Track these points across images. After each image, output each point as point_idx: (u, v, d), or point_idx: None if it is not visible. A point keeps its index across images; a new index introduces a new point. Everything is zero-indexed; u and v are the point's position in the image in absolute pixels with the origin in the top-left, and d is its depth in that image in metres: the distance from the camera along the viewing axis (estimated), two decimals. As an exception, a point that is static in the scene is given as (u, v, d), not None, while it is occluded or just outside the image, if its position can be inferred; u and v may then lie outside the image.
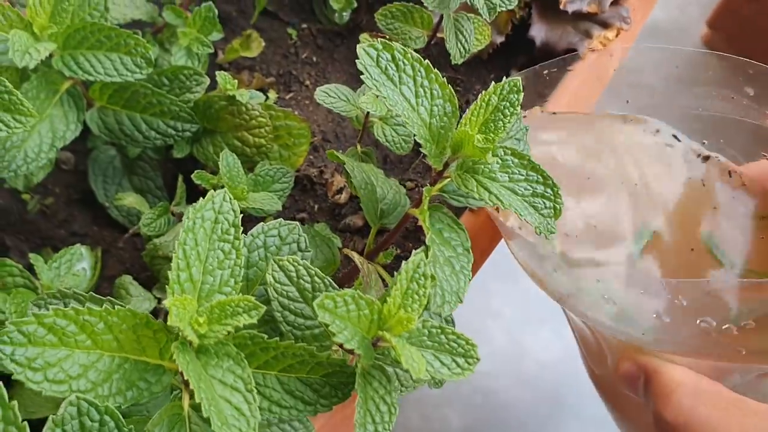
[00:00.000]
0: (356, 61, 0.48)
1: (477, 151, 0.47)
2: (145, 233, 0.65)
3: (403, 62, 0.49)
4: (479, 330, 1.04)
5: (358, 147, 0.65)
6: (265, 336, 0.42)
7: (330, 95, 0.61)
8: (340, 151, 0.75)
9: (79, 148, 0.76)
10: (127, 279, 0.64)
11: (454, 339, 0.43)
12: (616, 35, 0.76)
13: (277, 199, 0.63)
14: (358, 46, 0.48)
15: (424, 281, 0.42)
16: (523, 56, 0.80)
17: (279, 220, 0.49)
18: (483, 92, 0.49)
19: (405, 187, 0.74)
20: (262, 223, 0.49)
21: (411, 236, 0.71)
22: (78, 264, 0.61)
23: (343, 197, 0.72)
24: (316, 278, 0.45)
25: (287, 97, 0.80)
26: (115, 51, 0.62)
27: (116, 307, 0.41)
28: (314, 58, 0.83)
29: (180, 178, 0.68)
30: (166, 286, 0.41)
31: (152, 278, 0.68)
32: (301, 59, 0.82)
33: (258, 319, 0.42)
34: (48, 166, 0.66)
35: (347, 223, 0.73)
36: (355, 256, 0.52)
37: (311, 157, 0.77)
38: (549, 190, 0.51)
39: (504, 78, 0.51)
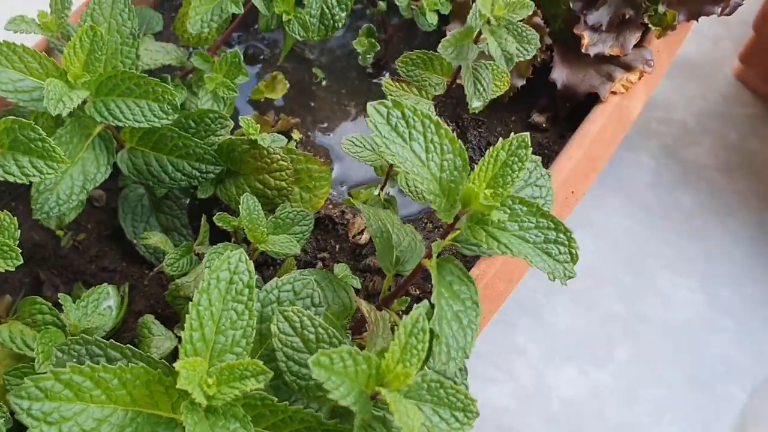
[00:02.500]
0: (366, 119, 0.49)
1: (483, 207, 0.48)
2: (168, 272, 0.67)
3: (413, 119, 0.50)
4: (503, 366, 1.04)
5: (381, 194, 0.66)
6: (275, 399, 0.44)
7: (356, 144, 0.63)
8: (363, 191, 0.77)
9: (111, 186, 0.79)
10: (149, 318, 0.66)
11: (453, 393, 0.44)
12: (639, 78, 0.76)
13: (296, 242, 0.64)
14: (368, 104, 0.49)
15: (423, 336, 0.43)
16: (545, 99, 0.81)
17: (294, 275, 0.51)
18: (491, 148, 0.50)
19: (424, 228, 0.75)
20: (276, 278, 0.50)
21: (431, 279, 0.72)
22: (105, 303, 0.64)
23: (364, 237, 0.73)
24: (320, 329, 0.47)
25: (311, 138, 0.82)
26: (144, 98, 0.65)
27: (130, 364, 0.43)
28: (339, 99, 0.85)
29: (203, 219, 0.71)
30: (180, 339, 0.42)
31: (176, 315, 0.70)
32: (327, 99, 0.84)
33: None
34: (79, 206, 0.69)
35: (368, 263, 0.74)
36: (363, 305, 0.53)
37: (334, 192, 0.78)
38: (562, 236, 0.51)
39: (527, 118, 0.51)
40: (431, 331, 0.45)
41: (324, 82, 0.86)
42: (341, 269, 0.70)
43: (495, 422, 1.01)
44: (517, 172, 0.50)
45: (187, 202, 0.78)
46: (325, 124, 0.83)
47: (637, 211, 1.12)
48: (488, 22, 0.61)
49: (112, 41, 0.67)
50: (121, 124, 0.65)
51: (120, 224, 0.76)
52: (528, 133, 0.50)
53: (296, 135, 0.79)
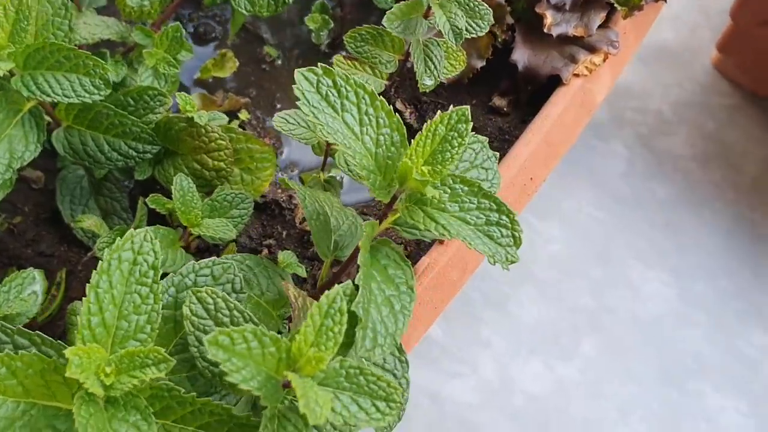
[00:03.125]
0: (293, 86, 0.46)
1: (418, 183, 0.45)
2: (100, 257, 0.63)
3: (346, 89, 0.47)
4: (467, 360, 1.00)
5: (321, 175, 0.63)
6: (182, 390, 0.40)
7: (289, 122, 0.59)
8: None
9: (50, 167, 0.75)
10: (78, 305, 0.62)
11: (375, 381, 0.40)
12: (604, 60, 0.73)
13: (232, 226, 0.61)
14: (296, 70, 0.46)
15: (340, 317, 0.40)
16: (506, 81, 0.78)
17: (213, 258, 0.47)
18: (429, 122, 0.47)
19: (376, 214, 0.72)
20: (192, 262, 0.47)
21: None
22: (29, 288, 0.60)
23: (311, 224, 0.70)
24: (236, 312, 0.43)
25: (261, 119, 0.78)
26: (74, 72, 0.61)
27: (20, 352, 0.39)
28: (292, 79, 0.81)
29: (141, 201, 0.67)
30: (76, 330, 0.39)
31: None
32: (278, 79, 0.81)
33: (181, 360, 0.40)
34: (7, 185, 0.65)
35: (316, 251, 0.70)
36: (290, 289, 0.49)
37: (285, 177, 0.75)
38: (504, 218, 0.48)
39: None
40: (353, 315, 0.42)
41: (277, 62, 0.82)
42: (286, 257, 0.66)
43: (458, 417, 0.97)
44: (457, 148, 0.47)
45: (130, 185, 0.74)
46: (278, 106, 0.80)
47: (609, 201, 1.09)
48: (437, -7, 0.58)
49: (42, 12, 0.63)
50: (49, 99, 0.61)
51: (58, 207, 0.72)
52: (468, 107, 0.47)
53: (243, 115, 0.76)
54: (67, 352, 0.37)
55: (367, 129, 0.47)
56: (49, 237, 0.73)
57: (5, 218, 0.73)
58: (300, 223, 0.70)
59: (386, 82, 0.71)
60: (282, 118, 0.59)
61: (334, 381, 0.40)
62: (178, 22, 0.68)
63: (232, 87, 0.80)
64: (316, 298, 0.54)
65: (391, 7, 0.72)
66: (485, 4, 0.59)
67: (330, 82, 0.46)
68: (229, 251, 0.65)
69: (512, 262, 0.48)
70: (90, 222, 0.65)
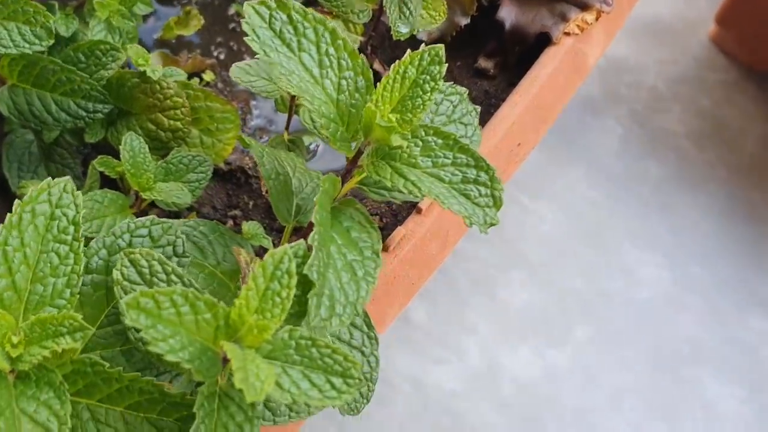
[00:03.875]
0: (242, 20, 0.40)
1: (382, 132, 0.39)
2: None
3: (303, 25, 0.41)
4: (452, 346, 0.95)
5: (285, 134, 0.57)
6: (107, 365, 0.34)
7: (249, 73, 0.53)
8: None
9: (-3, 132, 0.69)
10: None
11: (330, 354, 0.35)
12: (597, 18, 0.68)
13: (187, 191, 0.55)
14: (245, 3, 0.40)
15: (288, 280, 0.34)
16: (492, 41, 0.72)
17: (151, 217, 0.41)
18: (397, 62, 0.41)
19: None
20: (128, 220, 0.41)
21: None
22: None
23: (278, 193, 0.64)
24: (173, 276, 0.37)
25: (229, 83, 0.73)
26: (12, 20, 0.56)
27: None
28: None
29: (91, 165, 0.61)
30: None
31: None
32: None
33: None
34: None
35: (283, 221, 0.65)
36: (241, 254, 0.44)
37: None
38: (483, 174, 0.42)
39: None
40: (309, 281, 0.36)
41: (247, 22, 0.76)
42: (251, 227, 0.61)
43: (442, 406, 0.92)
44: (429, 93, 0.41)
45: (85, 150, 0.69)
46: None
47: (602, 179, 1.04)
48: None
49: (-21, -46, 0.57)
50: (-19, 48, 0.55)
51: (4, 174, 0.67)
52: (442, 45, 0.41)
53: (208, 76, 0.70)
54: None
55: (327, 72, 0.42)
56: (-6, 208, 0.68)
57: (-54, 187, 0.68)
58: (266, 192, 0.65)
59: (361, 38, 0.65)
60: (240, 68, 0.53)
61: (282, 354, 0.34)
62: (132, -29, 0.62)
63: (198, 48, 0.74)
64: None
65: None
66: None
67: (285, 17, 0.41)
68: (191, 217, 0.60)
69: (491, 225, 0.42)
70: (32, 187, 0.59)
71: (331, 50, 0.42)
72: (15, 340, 0.32)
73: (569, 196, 1.02)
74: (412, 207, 0.61)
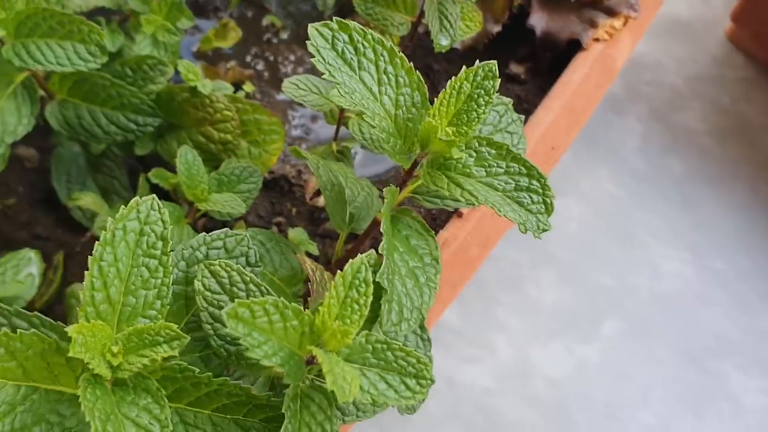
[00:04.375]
0: (307, 42, 0.42)
1: (443, 145, 0.41)
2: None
3: (363, 45, 0.43)
4: (483, 344, 0.97)
5: (334, 145, 0.59)
6: (197, 370, 0.36)
7: (300, 87, 0.55)
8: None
9: (44, 145, 0.72)
10: (78, 287, 0.59)
11: (404, 357, 0.37)
12: (624, 24, 0.69)
13: (241, 201, 0.57)
14: (309, 25, 0.42)
15: (366, 289, 0.36)
16: (523, 47, 0.74)
17: (225, 230, 0.43)
18: (453, 78, 0.43)
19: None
20: (204, 233, 0.43)
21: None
22: (25, 269, 0.57)
23: (321, 200, 0.66)
24: (252, 286, 0.40)
25: (267, 93, 0.75)
26: (69, 39, 0.58)
27: (19, 331, 0.36)
28: (296, 48, 0.77)
29: (142, 177, 0.63)
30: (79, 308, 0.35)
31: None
32: (283, 49, 0.77)
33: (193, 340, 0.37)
34: (0, 163, 0.62)
35: (327, 228, 0.67)
36: (307, 263, 0.46)
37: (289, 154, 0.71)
38: (535, 182, 0.44)
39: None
40: (379, 287, 0.38)
41: (282, 32, 0.78)
42: (297, 234, 0.63)
43: (474, 403, 0.94)
44: (483, 107, 0.43)
45: (130, 161, 0.71)
46: (282, 78, 0.76)
47: (626, 177, 1.06)
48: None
49: (33, -24, 0.60)
50: (42, 68, 0.57)
51: (53, 187, 0.69)
52: (495, 61, 0.43)
53: (248, 87, 0.72)
54: (70, 330, 0.33)
55: (386, 89, 0.44)
56: (44, 219, 0.70)
57: (-1, 200, 0.70)
58: (310, 199, 0.67)
59: (397, 48, 0.67)
60: (292, 83, 0.55)
61: (360, 357, 0.36)
62: (177, -12, 0.64)
63: (235, 59, 0.76)
64: (332, 273, 0.51)
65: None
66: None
67: (346, 38, 0.43)
68: (238, 228, 0.62)
69: (544, 231, 0.44)
70: (88, 200, 0.62)
71: (390, 68, 0.44)
72: (115, 350, 0.34)
73: (595, 194, 1.04)
74: (451, 211, 0.63)
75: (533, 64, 0.73)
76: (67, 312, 0.59)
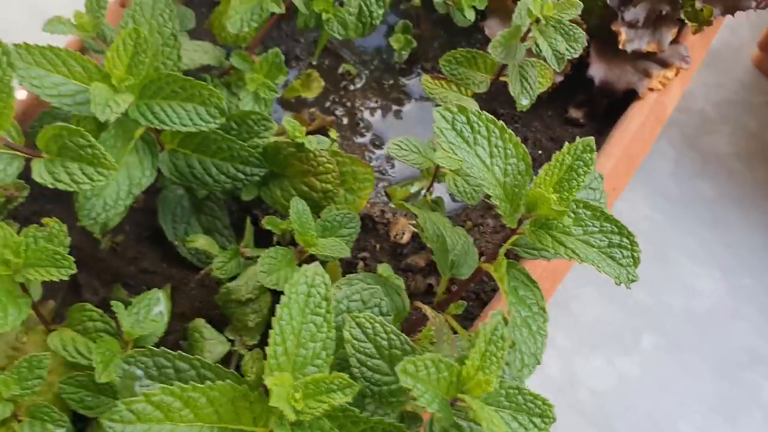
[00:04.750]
0: (433, 125, 0.49)
1: (553, 212, 0.48)
2: (218, 276, 0.67)
3: (478, 124, 0.50)
4: (530, 358, 1.04)
5: (428, 197, 0.66)
6: (357, 410, 0.44)
7: (403, 148, 0.62)
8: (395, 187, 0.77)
9: (149, 187, 0.78)
10: (200, 323, 0.66)
11: (531, 399, 0.44)
12: (676, 74, 0.76)
13: (345, 245, 0.64)
14: (434, 109, 0.49)
15: (502, 343, 0.44)
16: (581, 94, 0.81)
17: (361, 285, 0.51)
18: (557, 152, 0.50)
19: (464, 226, 0.75)
20: (345, 287, 0.50)
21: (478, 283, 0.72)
22: (155, 308, 0.63)
23: (405, 237, 0.73)
24: (392, 335, 0.47)
25: (347, 136, 0.81)
26: (190, 101, 0.64)
27: (217, 383, 0.43)
28: (370, 95, 0.84)
29: (248, 221, 0.70)
30: (265, 361, 0.42)
31: (223, 317, 0.70)
32: (359, 96, 0.84)
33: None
34: (125, 211, 0.68)
35: (408, 263, 0.74)
36: (428, 311, 0.53)
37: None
38: (625, 240, 0.52)
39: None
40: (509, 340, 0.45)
41: (356, 79, 0.85)
42: (384, 269, 0.70)
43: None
44: (582, 177, 0.50)
45: (226, 202, 0.77)
46: (359, 123, 0.83)
47: (659, 200, 1.13)
48: (537, 21, 0.61)
49: (153, 42, 0.66)
50: (167, 128, 0.64)
51: (159, 225, 0.76)
52: (593, 138, 0.50)
53: (333, 134, 0.79)
54: (268, 382, 0.41)
55: (496, 160, 0.51)
56: (150, 255, 0.77)
57: (109, 238, 0.77)
58: (393, 237, 0.74)
59: (470, 99, 0.74)
60: (396, 144, 0.62)
61: (495, 400, 0.44)
62: (277, 48, 0.71)
63: (315, 106, 0.83)
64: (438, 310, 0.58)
65: (470, 24, 0.75)
66: (579, 28, 0.62)
67: (464, 119, 0.50)
68: (332, 266, 0.69)
69: (633, 281, 0.51)
70: (202, 242, 0.69)
71: (499, 143, 0.51)
72: (297, 396, 0.41)
73: (632, 216, 1.11)
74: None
75: (590, 109, 0.80)
76: (191, 345, 0.65)
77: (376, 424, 0.44)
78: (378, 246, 0.75)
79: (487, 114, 0.51)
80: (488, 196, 0.51)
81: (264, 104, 0.72)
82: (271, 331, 0.43)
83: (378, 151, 0.82)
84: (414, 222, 0.71)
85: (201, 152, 0.70)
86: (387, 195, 0.78)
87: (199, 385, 0.42)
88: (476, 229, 0.75)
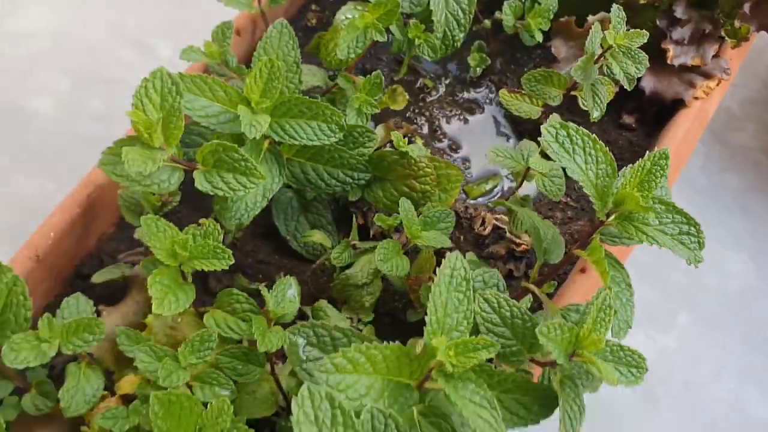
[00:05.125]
0: (540, 138, 0.61)
1: (640, 208, 0.61)
2: (334, 264, 0.79)
3: (576, 137, 0.62)
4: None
5: (518, 195, 0.79)
6: (492, 365, 0.56)
7: (499, 155, 0.75)
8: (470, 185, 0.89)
9: (260, 190, 0.90)
10: (323, 303, 0.78)
11: (629, 354, 0.57)
12: (717, 84, 0.88)
13: (445, 237, 0.76)
14: (542, 127, 0.62)
15: (609, 311, 0.56)
16: (632, 102, 0.93)
17: (483, 268, 0.63)
18: (640, 159, 0.62)
19: (539, 213, 0.88)
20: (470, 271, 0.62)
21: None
22: (289, 292, 0.75)
23: (487, 230, 0.86)
24: (514, 308, 0.59)
25: (429, 143, 0.94)
26: (314, 119, 0.76)
27: (384, 344, 0.55)
28: (446, 106, 0.96)
29: (354, 218, 0.82)
30: (423, 326, 0.54)
31: (330, 300, 0.82)
32: (436, 106, 0.96)
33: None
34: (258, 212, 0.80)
35: (491, 251, 0.86)
36: (536, 290, 0.65)
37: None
38: (693, 228, 0.64)
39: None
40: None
41: (433, 92, 0.97)
42: (471, 257, 0.82)
43: (578, 384, 1.13)
44: (659, 179, 0.62)
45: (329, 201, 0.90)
46: (437, 130, 0.95)
47: (690, 192, 1.25)
48: (609, 47, 0.73)
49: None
50: (296, 142, 0.76)
51: (271, 223, 0.88)
52: (668, 147, 0.63)
53: (418, 141, 0.91)
54: (434, 342, 0.53)
55: (590, 166, 0.63)
56: (265, 248, 0.89)
57: (231, 234, 0.89)
58: (476, 229, 0.86)
59: (541, 109, 0.86)
60: (494, 152, 0.75)
61: (603, 355, 0.56)
62: (378, 71, 0.83)
63: (398, 115, 0.95)
64: (529, 291, 0.70)
65: (536, 43, 0.87)
66: (643, 52, 0.74)
67: (565, 134, 0.62)
68: (427, 254, 0.81)
69: (699, 262, 0.64)
70: (317, 237, 0.81)
71: (592, 151, 0.63)
72: (451, 353, 0.54)
73: (667, 207, 1.23)
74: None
75: (640, 116, 0.92)
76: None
77: (507, 376, 0.56)
78: (462, 237, 0.88)
79: (583, 129, 0.63)
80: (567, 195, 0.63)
81: (365, 118, 0.84)
82: (428, 303, 0.55)
83: (454, 155, 0.94)
84: (497, 216, 0.83)
85: (315, 161, 0.82)
86: (465, 192, 0.91)
87: (378, 344, 0.54)
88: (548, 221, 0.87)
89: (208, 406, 0.61)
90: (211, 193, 0.71)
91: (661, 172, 0.62)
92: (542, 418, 0.58)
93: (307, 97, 0.76)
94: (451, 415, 0.58)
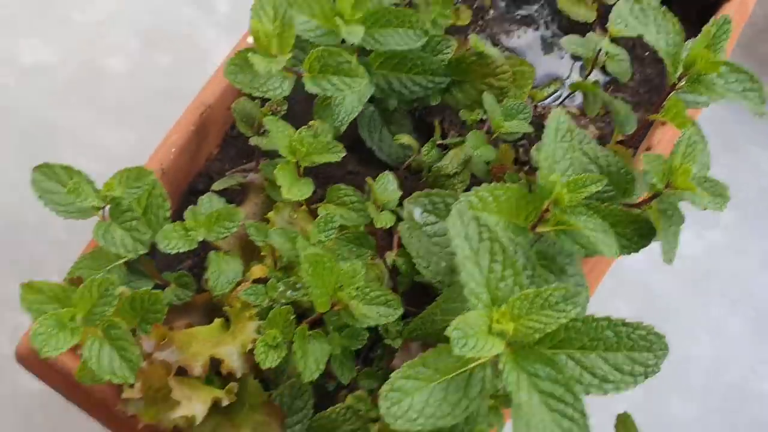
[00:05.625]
0: (610, 16, 0.70)
1: (710, 65, 0.69)
2: (424, 159, 0.88)
3: (648, 10, 0.71)
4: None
5: (589, 80, 0.88)
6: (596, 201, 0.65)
7: (573, 44, 0.84)
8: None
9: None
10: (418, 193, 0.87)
11: (714, 184, 0.67)
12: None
13: (526, 124, 0.85)
14: (616, 4, 0.70)
15: (695, 146, 0.65)
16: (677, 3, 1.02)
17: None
18: (705, 27, 0.71)
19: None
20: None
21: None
22: (390, 185, 0.84)
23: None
24: (609, 157, 0.69)
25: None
26: (401, 26, 0.85)
27: (507, 185, 0.64)
28: (503, 21, 1.05)
29: (436, 122, 0.92)
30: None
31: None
32: (497, 23, 1.05)
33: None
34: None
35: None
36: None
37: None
38: (755, 85, 0.72)
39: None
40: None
41: (490, 10, 1.06)
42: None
43: (638, 281, 1.23)
44: (724, 42, 0.71)
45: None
46: (497, 44, 1.04)
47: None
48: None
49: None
50: (387, 49, 0.84)
51: (356, 136, 0.96)
52: (729, 15, 0.71)
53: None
54: (552, 177, 0.62)
55: (663, 35, 0.72)
56: (352, 159, 0.97)
57: (322, 148, 0.98)
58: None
59: (595, 13, 0.94)
60: (569, 40, 0.84)
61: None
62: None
63: (461, 33, 1.04)
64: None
65: None
66: None
67: (639, 8, 0.71)
68: (506, 147, 0.90)
69: (763, 114, 0.72)
70: (406, 138, 0.90)
71: (662, 22, 0.72)
72: (565, 190, 0.63)
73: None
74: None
75: (684, 10, 1.00)
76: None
77: (612, 210, 0.66)
78: (535, 134, 0.96)
79: (654, 2, 0.72)
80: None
81: (440, 29, 0.93)
82: (538, 154, 0.64)
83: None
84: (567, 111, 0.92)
85: (398, 71, 0.90)
86: (530, 97, 0.99)
87: (501, 185, 0.63)
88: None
89: (345, 267, 0.71)
90: (321, 94, 0.80)
91: (725, 36, 0.71)
92: (642, 246, 0.67)
93: (394, 8, 0.85)
94: (557, 256, 0.68)
